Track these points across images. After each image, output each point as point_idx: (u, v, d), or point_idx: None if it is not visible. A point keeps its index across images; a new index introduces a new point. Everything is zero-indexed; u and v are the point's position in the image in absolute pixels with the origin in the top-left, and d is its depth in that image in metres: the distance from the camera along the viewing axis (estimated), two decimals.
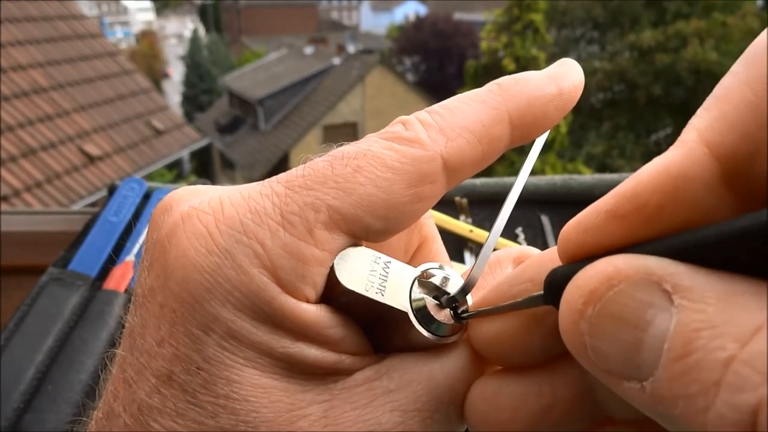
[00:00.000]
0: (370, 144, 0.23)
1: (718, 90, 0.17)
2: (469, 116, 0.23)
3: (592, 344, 0.17)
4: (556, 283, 0.19)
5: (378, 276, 0.23)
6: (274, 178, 0.23)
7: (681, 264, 0.16)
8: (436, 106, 0.24)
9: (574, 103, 0.25)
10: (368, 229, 0.22)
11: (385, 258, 0.24)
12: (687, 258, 0.16)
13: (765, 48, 0.16)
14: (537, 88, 0.24)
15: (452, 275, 0.25)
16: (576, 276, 0.17)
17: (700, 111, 0.17)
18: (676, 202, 0.16)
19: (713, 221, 0.16)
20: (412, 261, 0.28)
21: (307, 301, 0.22)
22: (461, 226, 0.75)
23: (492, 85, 0.25)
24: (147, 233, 0.23)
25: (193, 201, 0.23)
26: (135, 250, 0.72)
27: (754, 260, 0.14)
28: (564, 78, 0.25)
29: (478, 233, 0.74)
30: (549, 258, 0.22)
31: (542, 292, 0.20)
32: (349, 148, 0.23)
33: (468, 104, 0.24)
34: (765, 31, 0.16)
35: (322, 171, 0.22)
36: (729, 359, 0.14)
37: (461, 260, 0.74)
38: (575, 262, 0.19)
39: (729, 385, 0.13)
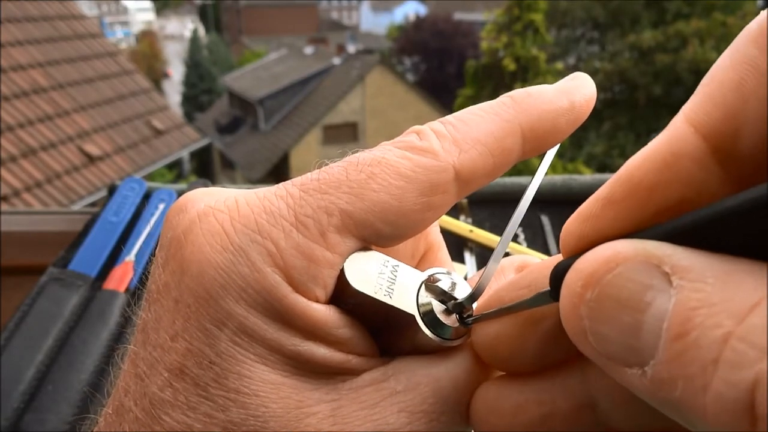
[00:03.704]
0: (385, 152, 0.23)
1: (706, 75, 0.17)
2: (482, 128, 0.24)
3: (592, 328, 0.17)
4: (559, 276, 0.19)
5: (386, 279, 0.23)
6: (289, 180, 0.23)
7: (679, 246, 0.16)
8: (450, 117, 0.25)
9: (585, 117, 0.25)
10: (379, 235, 0.23)
11: (393, 261, 0.24)
12: (684, 241, 0.16)
13: (751, 33, 0.16)
14: (549, 102, 0.24)
15: (459, 281, 0.25)
16: (576, 262, 0.17)
17: (690, 98, 0.18)
18: (668, 179, 0.17)
19: (706, 198, 0.16)
20: (417, 267, 0.29)
21: (317, 302, 0.22)
22: (461, 226, 0.75)
23: (505, 98, 0.25)
24: (162, 232, 0.24)
25: (209, 201, 0.23)
26: (135, 250, 0.72)
27: (748, 239, 0.15)
28: (576, 92, 0.25)
29: (478, 233, 0.74)
30: (548, 266, 0.22)
31: (548, 289, 0.20)
32: (364, 155, 0.23)
33: (481, 116, 0.24)
34: (755, 19, 0.17)
35: (336, 176, 0.23)
36: (726, 336, 0.13)
37: (461, 260, 0.74)
38: (578, 254, 0.19)
39: (726, 362, 0.13)
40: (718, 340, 0.13)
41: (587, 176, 0.82)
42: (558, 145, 0.26)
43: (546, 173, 0.26)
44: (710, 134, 0.16)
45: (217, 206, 0.23)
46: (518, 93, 0.25)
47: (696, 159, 0.16)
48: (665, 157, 0.17)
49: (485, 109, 0.24)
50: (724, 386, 0.13)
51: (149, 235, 0.74)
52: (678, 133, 0.17)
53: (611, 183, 0.18)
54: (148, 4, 30.14)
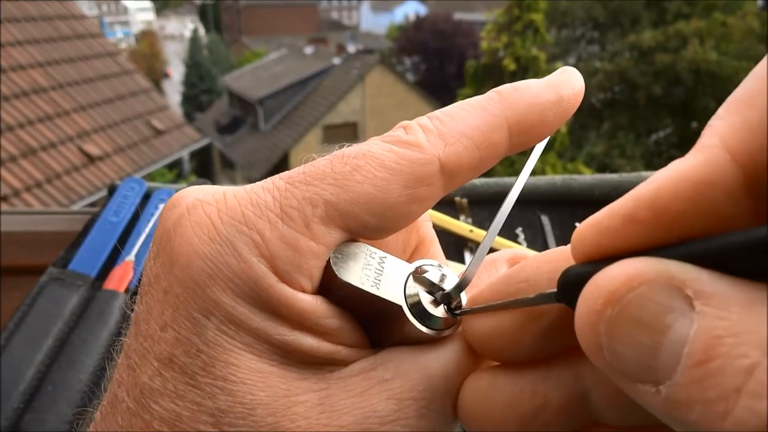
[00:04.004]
0: (371, 145, 0.24)
1: (741, 92, 0.17)
2: (468, 122, 0.24)
3: (609, 345, 0.17)
4: (570, 282, 0.19)
5: (373, 270, 0.24)
6: (277, 174, 0.24)
7: (703, 270, 0.16)
8: (437, 112, 0.25)
9: (574, 111, 0.25)
10: (364, 226, 0.23)
11: (380, 253, 0.24)
12: (708, 264, 0.16)
13: None
14: (536, 96, 0.25)
15: (448, 273, 0.25)
16: (596, 276, 0.17)
17: (721, 113, 0.17)
18: (697, 209, 0.16)
19: (731, 229, 0.16)
20: (408, 261, 0.29)
21: (303, 292, 0.22)
22: (461, 226, 0.75)
23: (492, 93, 0.25)
24: (155, 229, 0.24)
25: (198, 195, 0.24)
26: (135, 250, 0.72)
27: None
28: (564, 86, 0.25)
29: (478, 233, 0.74)
30: (547, 260, 0.22)
31: (554, 290, 0.20)
32: (350, 149, 0.24)
33: (468, 111, 0.24)
34: None
35: (321, 168, 0.23)
36: (752, 366, 0.14)
37: (461, 260, 0.74)
38: (591, 262, 0.19)
39: (751, 392, 0.13)
40: (743, 371, 0.14)
41: (587, 176, 0.82)
42: (547, 139, 0.26)
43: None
44: (748, 164, 0.16)
45: (205, 199, 0.23)
46: (505, 88, 0.25)
47: (729, 191, 0.16)
48: (697, 187, 0.16)
49: (472, 104, 0.25)
50: (746, 414, 0.13)
51: (149, 235, 0.74)
52: (715, 160, 0.16)
53: (635, 200, 0.17)
54: (148, 4, 30.14)
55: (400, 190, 0.23)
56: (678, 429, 0.16)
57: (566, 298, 0.19)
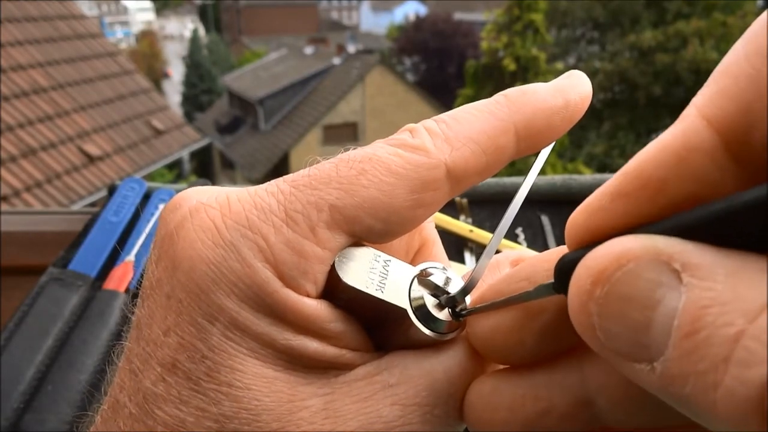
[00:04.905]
0: (376, 149, 0.23)
1: (718, 68, 0.17)
2: (475, 126, 0.24)
3: (601, 325, 0.17)
4: (565, 269, 0.19)
5: (378, 273, 0.24)
6: (281, 178, 0.24)
7: (689, 242, 0.16)
8: (444, 116, 0.25)
9: (581, 115, 0.25)
10: (369, 230, 0.23)
11: (385, 256, 0.24)
12: (695, 235, 0.16)
13: (764, 25, 0.16)
14: (543, 101, 0.24)
15: (453, 276, 0.25)
16: (585, 257, 0.17)
17: (700, 90, 0.17)
18: (680, 174, 0.16)
19: (719, 194, 0.16)
20: (412, 263, 0.29)
21: (308, 296, 0.22)
22: (461, 226, 0.75)
23: (499, 97, 0.25)
24: (156, 230, 0.24)
25: (201, 197, 0.23)
26: (135, 250, 0.72)
27: (759, 234, 0.14)
28: (571, 90, 0.25)
29: (478, 233, 0.74)
30: (546, 259, 0.22)
31: (552, 280, 0.20)
32: (355, 152, 0.24)
33: (475, 115, 0.24)
34: (766, 11, 0.16)
35: (327, 172, 0.23)
36: (738, 334, 0.13)
37: (461, 260, 0.74)
38: (584, 247, 0.19)
39: (738, 360, 0.13)
40: (729, 339, 0.14)
41: (587, 176, 0.82)
42: (553, 143, 0.26)
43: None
44: (724, 128, 0.16)
45: (208, 202, 0.23)
46: (512, 91, 0.25)
47: (709, 154, 0.16)
48: (678, 152, 0.16)
49: (479, 108, 0.24)
50: (735, 383, 0.13)
51: (149, 235, 0.74)
52: (691, 126, 0.17)
53: (621, 176, 0.18)
54: (148, 4, 30.14)
55: (406, 194, 0.23)
56: (677, 407, 0.16)
57: (563, 287, 0.19)
